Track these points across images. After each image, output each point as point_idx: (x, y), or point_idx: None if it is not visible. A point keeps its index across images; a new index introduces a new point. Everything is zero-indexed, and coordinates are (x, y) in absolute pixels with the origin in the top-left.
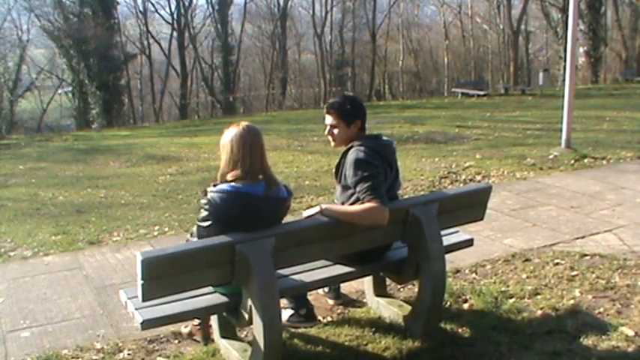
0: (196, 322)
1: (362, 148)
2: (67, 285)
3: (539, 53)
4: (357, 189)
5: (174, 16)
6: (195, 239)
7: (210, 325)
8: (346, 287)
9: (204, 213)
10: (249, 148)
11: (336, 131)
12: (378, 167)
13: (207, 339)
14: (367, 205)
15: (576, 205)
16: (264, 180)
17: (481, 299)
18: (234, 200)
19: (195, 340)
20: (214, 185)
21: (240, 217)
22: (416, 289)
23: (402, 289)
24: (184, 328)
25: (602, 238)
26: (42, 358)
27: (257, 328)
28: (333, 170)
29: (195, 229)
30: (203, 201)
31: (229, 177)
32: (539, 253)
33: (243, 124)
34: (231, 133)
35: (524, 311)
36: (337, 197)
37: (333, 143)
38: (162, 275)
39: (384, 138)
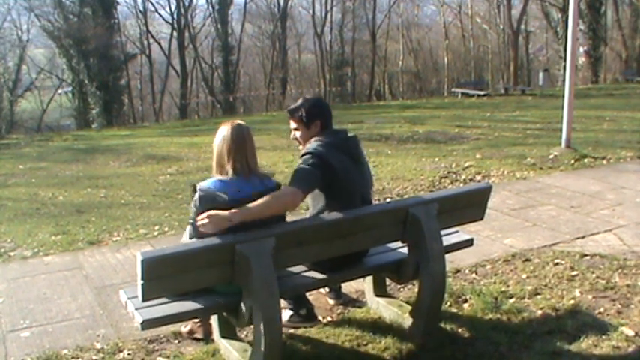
0: (197, 319)
1: (316, 142)
2: (67, 285)
3: (539, 53)
4: None
5: (174, 16)
6: (186, 238)
7: (211, 323)
8: (346, 287)
9: (194, 209)
10: (238, 147)
11: (298, 134)
12: (321, 159)
13: (209, 336)
14: (279, 191)
15: (576, 205)
16: (253, 176)
17: (481, 299)
18: (223, 192)
19: (195, 338)
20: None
21: (230, 208)
22: (416, 289)
23: (402, 289)
24: (184, 327)
25: (602, 238)
26: (42, 358)
27: (257, 328)
28: None
29: (188, 228)
30: (195, 196)
31: (219, 174)
32: (539, 253)
33: (234, 122)
34: (221, 132)
35: (524, 311)
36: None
37: (300, 147)
38: (163, 275)
39: (349, 134)
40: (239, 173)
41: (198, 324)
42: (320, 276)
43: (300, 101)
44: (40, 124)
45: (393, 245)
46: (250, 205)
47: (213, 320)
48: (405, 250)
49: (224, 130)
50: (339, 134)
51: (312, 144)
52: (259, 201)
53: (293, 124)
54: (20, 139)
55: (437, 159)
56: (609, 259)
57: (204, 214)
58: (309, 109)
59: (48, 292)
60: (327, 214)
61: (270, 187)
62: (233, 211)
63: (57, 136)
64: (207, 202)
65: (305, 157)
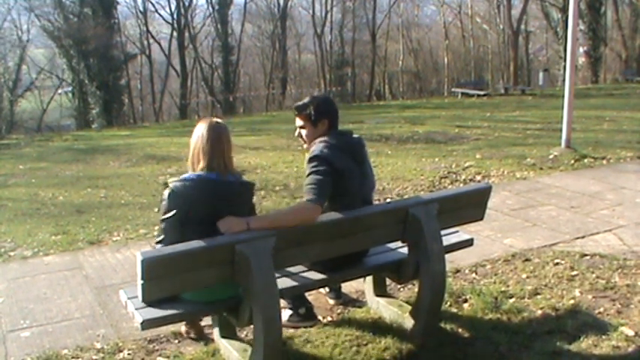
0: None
1: (322, 144)
2: (67, 285)
3: (539, 53)
4: (304, 184)
5: (174, 16)
6: (160, 242)
7: (201, 323)
8: (346, 287)
9: (165, 204)
10: (215, 145)
11: (304, 132)
12: (329, 164)
13: (201, 337)
14: (298, 205)
15: (576, 205)
16: (229, 174)
17: (481, 299)
18: (197, 186)
19: (191, 338)
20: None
21: (203, 201)
22: (416, 289)
23: (402, 289)
24: (184, 327)
25: (602, 238)
26: (42, 358)
27: (257, 328)
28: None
29: (160, 229)
30: (165, 192)
31: (192, 171)
32: (539, 253)
33: (212, 121)
34: (198, 129)
35: (524, 311)
36: None
37: (305, 145)
38: (162, 275)
39: (354, 136)
40: (215, 170)
41: (189, 325)
42: (320, 276)
43: (308, 98)
44: (40, 124)
45: (393, 245)
46: (270, 213)
47: (213, 320)
48: (405, 250)
49: (201, 128)
50: (345, 136)
51: (318, 145)
52: (280, 212)
53: (299, 122)
54: (20, 139)
55: (437, 159)
56: (609, 259)
57: (225, 219)
58: (317, 106)
59: (48, 292)
60: (327, 214)
61: (246, 185)
62: (251, 217)
63: (57, 136)
64: (177, 198)
65: (314, 163)
